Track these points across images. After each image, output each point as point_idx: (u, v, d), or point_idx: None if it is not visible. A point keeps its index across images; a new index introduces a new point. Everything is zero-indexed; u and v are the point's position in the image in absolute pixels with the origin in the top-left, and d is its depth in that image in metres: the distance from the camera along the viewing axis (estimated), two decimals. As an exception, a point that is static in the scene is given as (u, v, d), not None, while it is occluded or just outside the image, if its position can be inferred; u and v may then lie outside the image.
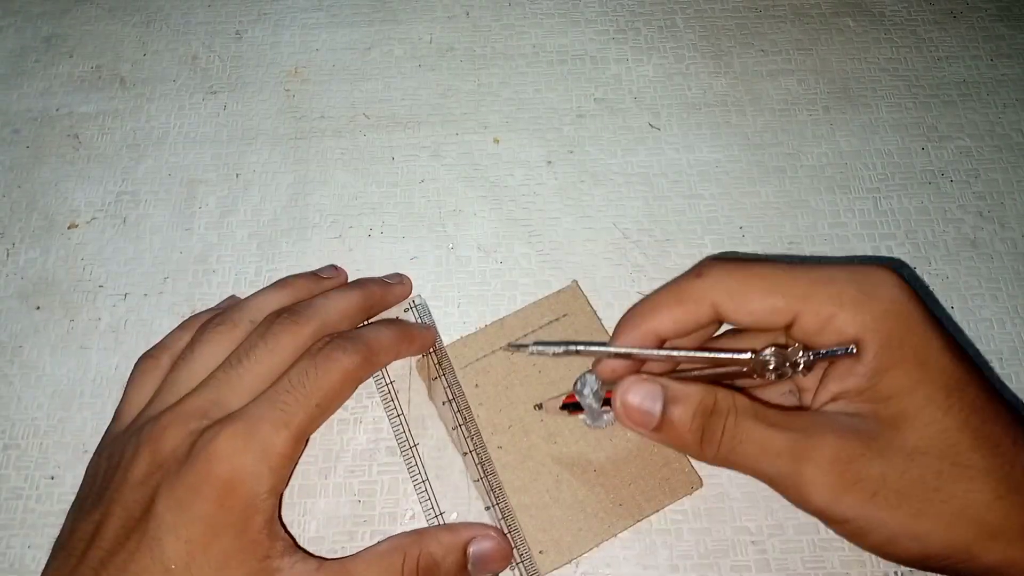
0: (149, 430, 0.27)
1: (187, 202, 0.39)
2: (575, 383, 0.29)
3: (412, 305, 0.35)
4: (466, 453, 0.31)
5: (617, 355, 0.27)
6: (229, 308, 0.32)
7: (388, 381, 0.33)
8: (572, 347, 0.27)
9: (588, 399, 0.29)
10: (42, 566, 0.30)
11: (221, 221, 0.38)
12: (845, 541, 0.30)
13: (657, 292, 0.27)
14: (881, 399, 0.24)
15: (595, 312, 0.34)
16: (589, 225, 0.37)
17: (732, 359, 0.25)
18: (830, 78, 0.41)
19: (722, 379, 0.27)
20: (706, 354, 0.26)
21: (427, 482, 0.31)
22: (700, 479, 0.31)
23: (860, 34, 0.43)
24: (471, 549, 0.28)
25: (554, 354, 0.27)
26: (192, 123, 0.41)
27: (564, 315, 0.34)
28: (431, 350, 0.33)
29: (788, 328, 0.25)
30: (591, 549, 0.30)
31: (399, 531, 0.29)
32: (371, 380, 0.33)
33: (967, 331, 0.34)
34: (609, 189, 0.38)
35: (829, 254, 0.36)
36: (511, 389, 0.32)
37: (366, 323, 0.33)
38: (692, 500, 0.31)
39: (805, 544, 0.30)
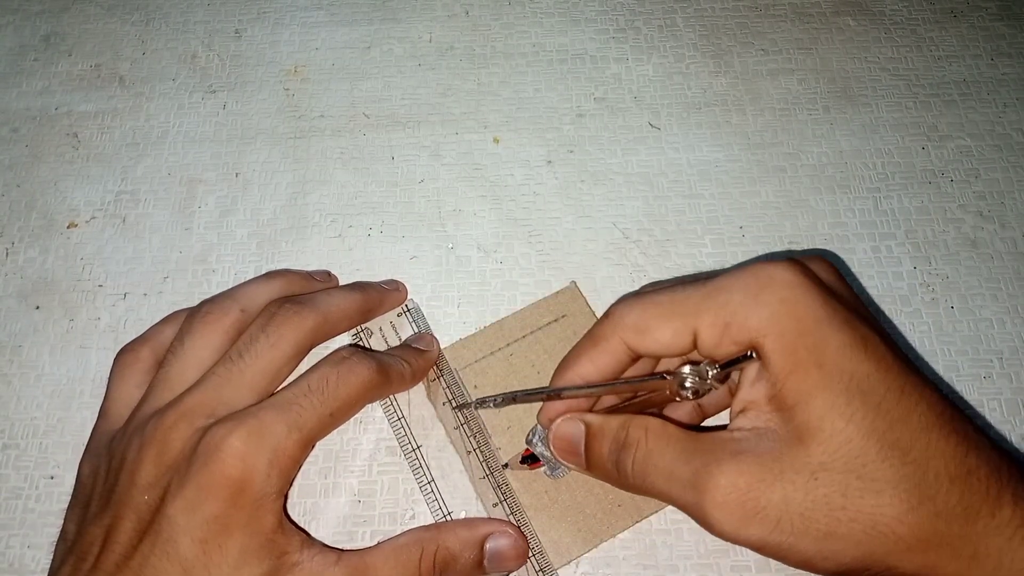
0: (153, 429, 0.27)
1: (186, 201, 0.39)
2: (527, 436, 0.30)
3: (405, 310, 0.35)
4: (470, 452, 0.31)
5: (549, 396, 0.27)
6: (217, 296, 0.31)
7: None
8: (512, 395, 0.29)
9: (539, 448, 0.29)
10: (42, 566, 0.30)
11: (221, 221, 0.38)
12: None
13: (580, 340, 0.28)
14: (786, 407, 0.22)
15: (594, 313, 0.34)
16: (589, 225, 0.37)
17: (648, 383, 0.26)
18: (830, 77, 0.41)
19: (653, 405, 0.27)
20: (626, 381, 0.26)
21: (433, 483, 0.31)
22: None
23: (860, 33, 0.43)
24: (488, 545, 0.28)
25: (495, 405, 0.29)
26: (191, 122, 0.41)
27: (563, 316, 0.34)
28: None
29: (696, 347, 0.25)
30: (591, 550, 0.30)
31: (399, 531, 0.29)
32: None
33: (967, 331, 0.35)
34: (609, 189, 0.38)
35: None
36: (510, 390, 0.32)
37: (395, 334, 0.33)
38: (692, 500, 0.31)
39: (804, 544, 0.30)
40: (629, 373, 0.28)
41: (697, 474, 0.23)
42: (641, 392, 0.27)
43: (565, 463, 0.28)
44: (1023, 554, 0.21)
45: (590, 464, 0.27)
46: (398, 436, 0.32)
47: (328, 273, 0.36)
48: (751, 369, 0.24)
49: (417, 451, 0.32)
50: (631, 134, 0.40)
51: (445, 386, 0.32)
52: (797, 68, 0.42)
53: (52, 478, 0.32)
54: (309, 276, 0.34)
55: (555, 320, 0.34)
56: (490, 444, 0.31)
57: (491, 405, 0.30)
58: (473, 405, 0.31)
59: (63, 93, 0.42)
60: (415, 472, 0.31)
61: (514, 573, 0.29)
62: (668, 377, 0.25)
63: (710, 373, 0.24)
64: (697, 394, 0.25)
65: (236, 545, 0.25)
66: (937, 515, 0.21)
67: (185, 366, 0.29)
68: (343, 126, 0.41)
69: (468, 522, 0.29)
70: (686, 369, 0.24)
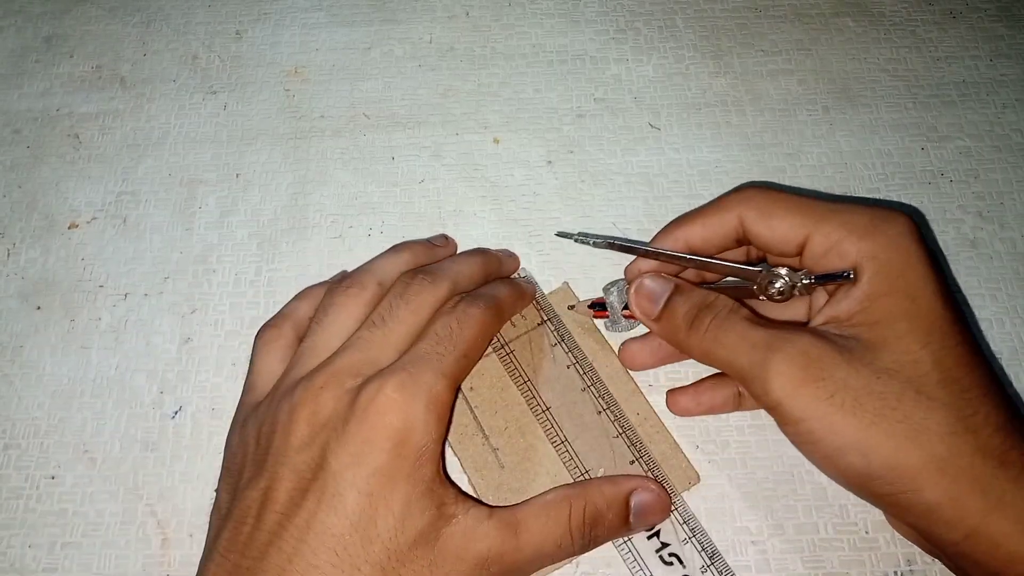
0: (303, 391, 0.27)
1: (187, 202, 0.39)
2: (605, 286, 0.32)
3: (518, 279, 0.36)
4: (600, 412, 0.32)
5: (647, 254, 0.30)
6: (354, 272, 0.33)
7: (509, 350, 0.34)
8: (611, 240, 0.31)
9: (612, 297, 0.32)
10: (43, 566, 0.31)
11: (221, 221, 0.38)
12: (845, 541, 0.30)
13: (696, 208, 0.30)
14: (866, 324, 0.25)
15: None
16: (589, 225, 0.37)
17: (744, 269, 0.28)
18: (830, 78, 0.41)
19: (734, 296, 0.28)
20: (722, 262, 0.29)
21: (567, 443, 0.31)
22: (697, 474, 0.31)
23: (860, 34, 0.43)
24: (633, 500, 0.29)
25: (594, 244, 0.31)
26: (192, 123, 0.41)
27: (556, 316, 0.34)
28: (549, 318, 0.34)
29: (800, 251, 0.27)
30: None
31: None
32: (491, 348, 0.34)
33: (967, 331, 0.35)
34: (609, 189, 0.38)
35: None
36: (506, 391, 0.33)
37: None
38: (692, 501, 0.31)
39: (805, 544, 0.30)
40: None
41: (772, 336, 0.25)
42: (729, 278, 0.29)
43: (639, 310, 0.29)
44: None
45: (662, 316, 0.28)
46: (527, 398, 0.32)
47: (445, 237, 0.37)
48: (841, 290, 0.26)
49: (547, 412, 0.32)
50: (631, 134, 0.40)
51: (567, 349, 0.33)
52: (797, 69, 0.42)
53: (53, 478, 0.32)
54: (430, 244, 0.35)
55: (548, 319, 0.34)
56: (619, 403, 0.32)
57: (591, 243, 0.32)
58: (574, 238, 0.32)
59: (64, 94, 0.42)
60: (548, 433, 0.32)
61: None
62: (762, 270, 0.27)
63: (802, 281, 0.26)
64: (781, 295, 0.26)
65: (401, 496, 0.25)
66: (977, 449, 0.23)
67: (330, 335, 0.30)
68: (343, 127, 0.41)
69: (612, 479, 0.30)
70: (782, 270, 0.26)
